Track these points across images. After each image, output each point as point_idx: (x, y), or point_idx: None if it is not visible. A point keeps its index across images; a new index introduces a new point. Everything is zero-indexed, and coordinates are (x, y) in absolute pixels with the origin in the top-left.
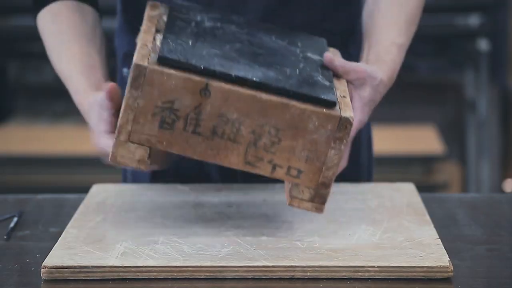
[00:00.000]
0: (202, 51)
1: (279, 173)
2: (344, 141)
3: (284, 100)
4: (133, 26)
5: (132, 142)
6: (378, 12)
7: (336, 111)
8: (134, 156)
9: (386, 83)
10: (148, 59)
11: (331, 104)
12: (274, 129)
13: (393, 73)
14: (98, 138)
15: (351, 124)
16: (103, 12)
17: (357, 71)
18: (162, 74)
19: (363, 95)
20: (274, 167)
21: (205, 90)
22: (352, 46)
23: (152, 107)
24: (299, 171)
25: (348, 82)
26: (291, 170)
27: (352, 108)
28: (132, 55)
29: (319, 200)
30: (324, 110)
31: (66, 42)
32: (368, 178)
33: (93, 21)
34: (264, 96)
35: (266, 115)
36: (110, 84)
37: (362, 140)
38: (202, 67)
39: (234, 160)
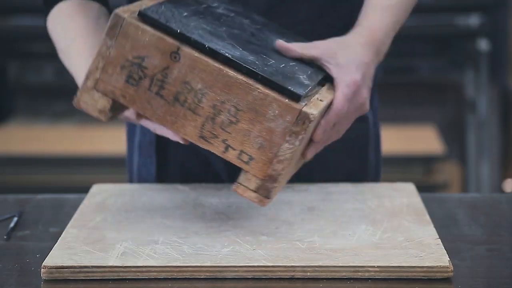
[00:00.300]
0: (190, 22)
1: (231, 155)
2: (300, 136)
3: (250, 81)
4: None
5: (97, 91)
6: None
7: (298, 104)
8: (96, 104)
9: (362, 42)
10: (131, 14)
11: (295, 96)
12: (234, 108)
13: (371, 31)
14: None
15: (309, 120)
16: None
17: (316, 45)
18: (138, 29)
19: (339, 61)
20: (227, 148)
21: (175, 54)
22: None
23: (122, 60)
24: (250, 158)
25: (322, 63)
26: (243, 154)
27: (335, 80)
28: None
29: (263, 192)
30: (287, 100)
31: (72, 39)
32: (375, 177)
33: (97, 13)
34: (231, 72)
35: (230, 92)
36: None
37: (370, 137)
38: (178, 31)
39: (189, 132)
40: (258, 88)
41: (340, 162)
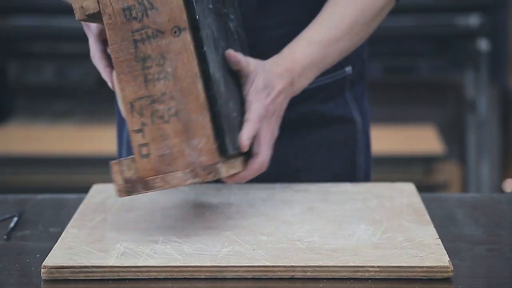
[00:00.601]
0: (208, 17)
1: (136, 139)
2: (197, 179)
3: (205, 107)
4: None
5: None
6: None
7: (219, 157)
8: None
9: (280, 71)
10: None
11: (223, 150)
12: (175, 111)
13: (290, 63)
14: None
15: (216, 175)
16: None
17: (251, 62)
18: None
19: (255, 84)
20: (139, 131)
21: (178, 30)
22: None
23: None
24: (147, 156)
25: (247, 79)
26: (145, 148)
27: (247, 99)
28: None
29: (129, 188)
30: (215, 146)
31: None
32: (365, 180)
33: None
34: (199, 86)
35: (185, 97)
36: None
37: (359, 140)
38: (197, 17)
39: (127, 91)
40: (205, 116)
41: (326, 163)
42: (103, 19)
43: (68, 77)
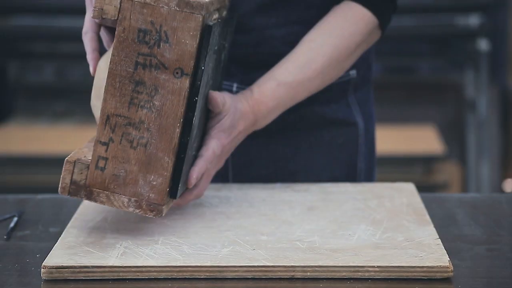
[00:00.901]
0: (211, 50)
1: (98, 150)
2: (137, 211)
3: (173, 142)
4: None
5: None
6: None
7: (167, 199)
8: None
9: (247, 110)
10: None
11: (173, 194)
12: (145, 142)
13: (256, 103)
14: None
15: (156, 215)
16: None
17: (219, 105)
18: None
19: (222, 122)
20: (105, 144)
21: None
22: None
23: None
24: (102, 169)
25: (214, 113)
26: (104, 161)
27: (210, 134)
28: None
29: (72, 190)
30: (167, 189)
31: None
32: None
33: None
34: (177, 127)
35: (159, 132)
36: None
37: (360, 145)
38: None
39: (110, 102)
40: (171, 160)
41: (325, 166)
42: (117, 29)
43: (68, 77)
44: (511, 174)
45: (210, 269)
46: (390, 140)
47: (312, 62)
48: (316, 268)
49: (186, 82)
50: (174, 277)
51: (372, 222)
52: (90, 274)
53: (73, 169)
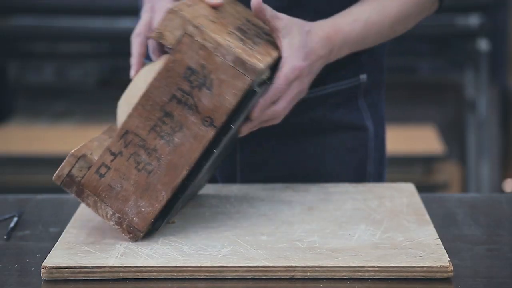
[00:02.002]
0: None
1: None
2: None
3: (179, 176)
4: None
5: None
6: None
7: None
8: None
9: (320, 35)
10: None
11: None
12: (156, 170)
13: (334, 32)
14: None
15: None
16: (122, 12)
17: (281, 17)
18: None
19: (293, 41)
20: (111, 162)
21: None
22: (364, 55)
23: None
24: (104, 174)
25: (277, 36)
26: (105, 169)
27: (283, 55)
28: None
29: (66, 181)
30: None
31: None
32: None
33: None
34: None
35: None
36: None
37: (370, 149)
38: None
39: (135, 121)
40: (166, 196)
41: (334, 170)
42: (168, 57)
43: (68, 77)
44: (511, 174)
45: (210, 269)
46: (390, 140)
47: (387, 7)
48: (316, 268)
49: (211, 133)
50: (174, 277)
51: (372, 222)
52: (90, 274)
53: (75, 163)
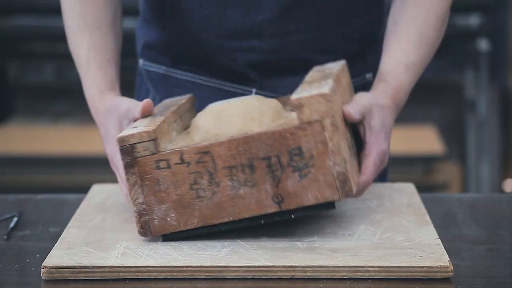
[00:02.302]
0: None
1: None
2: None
3: None
4: (155, 14)
5: None
6: (392, 28)
7: None
8: None
9: (390, 104)
10: None
11: None
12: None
13: (397, 92)
14: (111, 145)
15: None
16: (123, 11)
17: (360, 105)
18: None
19: (372, 125)
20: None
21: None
22: (370, 54)
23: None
24: (167, 165)
25: (360, 124)
26: (165, 162)
27: (367, 146)
28: (151, 46)
29: (126, 150)
30: None
31: (88, 26)
32: None
33: (115, 7)
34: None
35: None
36: (147, 101)
37: None
38: None
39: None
40: (198, 222)
41: None
42: (290, 127)
43: (68, 77)
44: (511, 174)
45: (210, 269)
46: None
47: (425, 36)
48: (316, 268)
49: (273, 209)
50: (174, 277)
51: (372, 222)
52: (90, 274)
53: (144, 141)
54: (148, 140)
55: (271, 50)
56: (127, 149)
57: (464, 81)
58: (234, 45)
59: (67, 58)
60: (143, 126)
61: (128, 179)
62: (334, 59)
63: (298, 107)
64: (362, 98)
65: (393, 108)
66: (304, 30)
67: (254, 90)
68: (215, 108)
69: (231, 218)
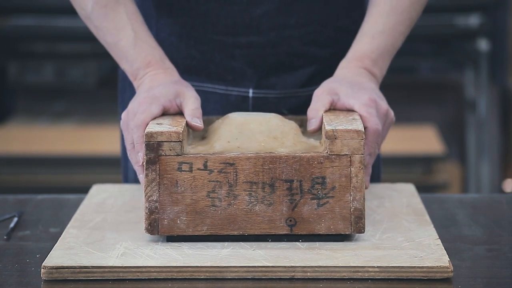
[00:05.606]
0: None
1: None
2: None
3: None
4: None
5: None
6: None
7: None
8: None
9: (351, 66)
10: None
11: None
12: None
13: (359, 59)
14: (146, 104)
15: None
16: None
17: (316, 105)
18: None
19: (341, 96)
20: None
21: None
22: None
23: None
24: (189, 168)
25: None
26: (189, 165)
27: (355, 109)
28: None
29: (150, 139)
30: None
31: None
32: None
33: None
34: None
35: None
36: (200, 126)
37: None
38: None
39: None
40: (207, 230)
41: None
42: (317, 153)
43: (68, 77)
44: (511, 174)
45: (210, 269)
46: (390, 140)
47: (395, 6)
48: (316, 269)
49: (283, 232)
50: (174, 277)
51: (372, 222)
52: (90, 275)
53: (172, 141)
54: (176, 141)
55: (269, 44)
56: (153, 145)
57: (464, 81)
58: (232, 41)
59: (67, 58)
60: (168, 125)
61: (146, 175)
62: (332, 52)
63: (331, 138)
64: (315, 99)
65: (358, 69)
66: (303, 24)
67: (251, 90)
68: (237, 120)
69: (240, 232)
